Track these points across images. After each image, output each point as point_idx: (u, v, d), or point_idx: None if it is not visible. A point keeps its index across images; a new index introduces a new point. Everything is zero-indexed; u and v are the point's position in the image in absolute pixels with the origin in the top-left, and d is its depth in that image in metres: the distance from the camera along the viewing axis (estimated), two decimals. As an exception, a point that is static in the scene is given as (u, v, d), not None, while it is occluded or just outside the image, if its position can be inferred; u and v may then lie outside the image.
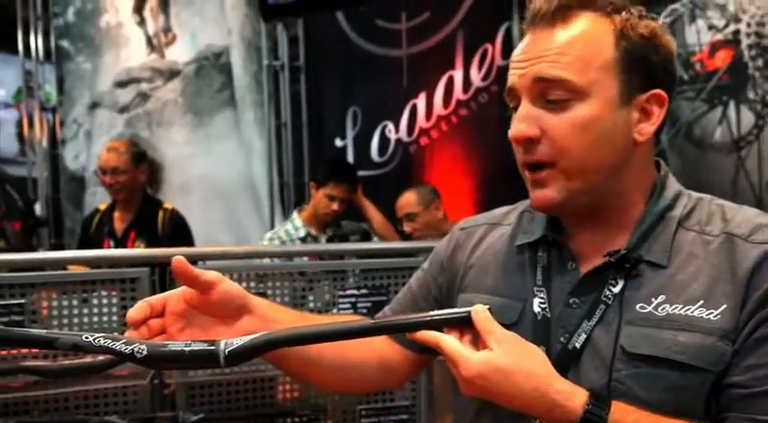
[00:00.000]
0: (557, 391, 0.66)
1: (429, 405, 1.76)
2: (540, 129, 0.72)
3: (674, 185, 0.77)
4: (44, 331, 0.69)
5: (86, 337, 0.67)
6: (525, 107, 0.73)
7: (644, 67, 0.73)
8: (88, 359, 1.37)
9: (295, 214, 2.62)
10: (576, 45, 0.72)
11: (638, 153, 0.74)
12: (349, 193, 2.55)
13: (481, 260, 0.85)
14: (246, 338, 0.67)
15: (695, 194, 0.78)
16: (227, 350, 0.66)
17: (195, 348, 0.66)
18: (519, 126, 0.73)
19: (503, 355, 0.65)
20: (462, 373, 0.66)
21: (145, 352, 0.66)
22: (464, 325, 0.68)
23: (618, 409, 0.66)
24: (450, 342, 0.67)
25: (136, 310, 0.71)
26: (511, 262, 0.81)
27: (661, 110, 0.74)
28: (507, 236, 0.84)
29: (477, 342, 0.67)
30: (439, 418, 1.78)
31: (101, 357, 1.35)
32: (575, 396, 0.66)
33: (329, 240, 2.50)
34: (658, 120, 0.74)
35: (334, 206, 2.49)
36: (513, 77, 0.75)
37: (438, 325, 0.69)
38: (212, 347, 0.66)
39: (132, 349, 0.66)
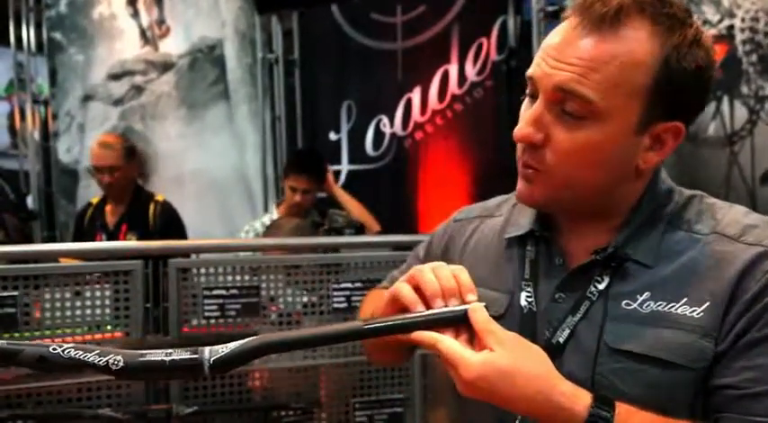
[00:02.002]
0: (561, 393, 0.64)
1: (423, 397, 1.77)
2: (547, 136, 0.70)
3: (665, 182, 0.76)
4: (6, 342, 0.63)
5: (54, 349, 0.62)
6: (539, 109, 0.70)
7: (675, 98, 0.69)
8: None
9: (274, 207, 2.63)
10: (612, 64, 0.66)
11: (636, 178, 0.73)
12: (312, 185, 2.52)
13: (472, 253, 0.84)
14: (233, 345, 0.64)
15: (686, 192, 0.77)
16: (212, 359, 0.62)
17: (176, 358, 0.62)
18: (526, 128, 0.70)
19: (505, 357, 0.63)
20: (463, 375, 0.63)
21: (121, 363, 0.61)
22: (460, 324, 0.66)
23: (622, 410, 0.64)
24: (448, 343, 0.65)
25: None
26: (500, 255, 0.81)
27: (675, 142, 0.71)
28: (498, 228, 0.84)
29: (474, 341, 0.65)
30: (432, 410, 1.79)
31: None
32: (578, 398, 0.64)
33: (326, 233, 2.49)
34: (669, 151, 0.71)
35: (297, 198, 2.49)
36: (537, 68, 0.70)
37: (433, 325, 0.66)
38: (195, 356, 0.62)
39: (107, 361, 0.61)
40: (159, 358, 0.62)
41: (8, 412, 1.47)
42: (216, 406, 1.64)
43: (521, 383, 0.63)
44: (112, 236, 2.63)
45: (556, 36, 0.70)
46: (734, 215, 0.73)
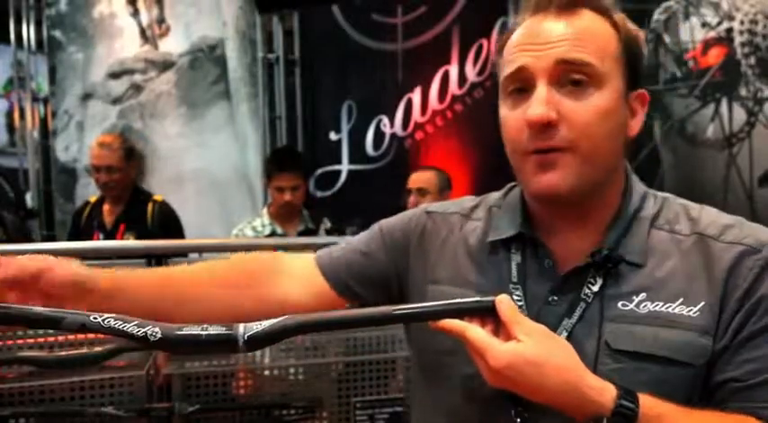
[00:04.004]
0: (588, 386, 0.65)
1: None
2: (559, 113, 0.71)
3: (639, 186, 0.79)
4: (49, 310, 0.66)
5: (95, 317, 0.64)
6: (544, 90, 0.71)
7: (635, 65, 0.75)
8: (85, 350, 1.37)
9: (264, 210, 2.55)
10: (591, 35, 0.73)
11: (624, 148, 0.77)
12: (298, 180, 2.44)
13: (454, 253, 0.83)
14: (266, 323, 0.65)
15: (660, 194, 0.80)
16: (246, 335, 0.63)
17: (212, 332, 0.63)
18: (538, 108, 0.70)
19: (533, 347, 0.64)
20: (491, 363, 0.64)
21: (159, 335, 0.63)
22: (487, 314, 0.67)
23: (646, 401, 0.65)
24: (476, 332, 0.65)
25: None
26: (483, 258, 0.81)
27: (643, 110, 0.76)
28: (480, 231, 0.83)
29: (499, 332, 0.66)
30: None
31: (98, 348, 1.35)
32: (605, 390, 0.65)
33: (328, 233, 2.49)
34: (641, 120, 0.76)
35: (287, 197, 2.40)
36: (526, 59, 0.72)
37: (460, 313, 0.67)
38: (230, 331, 0.64)
39: (145, 332, 0.63)
40: (195, 332, 0.63)
41: (11, 410, 1.47)
42: (217, 404, 1.65)
43: (549, 374, 0.64)
44: (110, 235, 2.62)
45: (524, 32, 0.74)
46: (709, 215, 0.76)
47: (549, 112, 0.71)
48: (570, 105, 0.71)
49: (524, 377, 0.64)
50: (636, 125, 0.76)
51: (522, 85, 0.73)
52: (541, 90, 0.72)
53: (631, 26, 0.76)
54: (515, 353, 0.64)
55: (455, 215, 0.86)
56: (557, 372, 0.64)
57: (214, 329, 0.64)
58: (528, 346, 0.64)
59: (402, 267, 0.86)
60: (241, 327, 0.64)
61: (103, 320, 0.64)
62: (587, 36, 0.72)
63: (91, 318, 0.64)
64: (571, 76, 0.71)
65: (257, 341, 0.64)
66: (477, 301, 0.68)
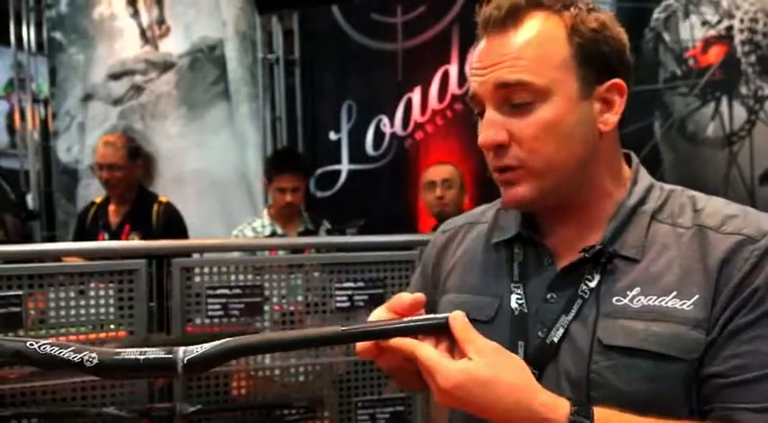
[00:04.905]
0: (540, 404, 0.64)
1: (425, 396, 1.78)
2: (508, 133, 0.73)
3: (645, 178, 0.78)
4: None
5: (30, 344, 0.63)
6: (491, 113, 0.74)
7: (599, 59, 0.73)
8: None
9: (265, 211, 2.56)
10: (531, 47, 0.72)
11: (603, 143, 0.75)
12: (299, 181, 2.46)
13: (461, 260, 0.85)
14: (208, 346, 0.64)
15: (667, 187, 0.79)
16: (186, 358, 0.62)
17: (150, 356, 0.62)
18: (487, 133, 0.74)
19: (483, 366, 0.63)
20: (440, 383, 0.63)
21: (95, 361, 0.62)
22: (440, 332, 0.65)
23: (601, 415, 0.64)
24: (426, 350, 0.64)
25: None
26: (487, 259, 0.82)
27: (621, 99, 0.75)
28: (484, 234, 0.85)
29: (454, 350, 0.65)
30: (434, 409, 1.79)
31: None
32: (558, 407, 0.64)
33: (328, 233, 2.50)
34: (620, 108, 0.75)
35: (288, 198, 2.43)
36: (474, 84, 0.75)
37: (413, 332, 0.65)
38: (170, 356, 0.62)
39: (81, 358, 0.62)
40: (133, 357, 0.62)
41: (13, 411, 1.47)
42: (218, 405, 1.65)
43: (500, 393, 0.63)
44: (115, 236, 2.63)
45: (476, 55, 0.76)
46: (714, 206, 0.75)
47: (495, 136, 0.74)
48: (517, 125, 0.73)
49: (474, 397, 0.63)
50: (612, 117, 0.75)
51: (480, 109, 0.76)
52: (488, 114, 0.74)
53: (590, 18, 0.74)
54: (465, 372, 0.63)
55: (463, 226, 0.89)
56: (507, 391, 0.63)
57: (152, 353, 0.63)
58: (478, 366, 0.63)
59: (433, 294, 0.88)
60: (181, 350, 0.63)
61: (39, 347, 0.63)
62: (525, 51, 0.72)
63: (27, 344, 0.63)
64: (511, 98, 0.72)
65: (197, 365, 0.63)
66: (430, 319, 0.66)
